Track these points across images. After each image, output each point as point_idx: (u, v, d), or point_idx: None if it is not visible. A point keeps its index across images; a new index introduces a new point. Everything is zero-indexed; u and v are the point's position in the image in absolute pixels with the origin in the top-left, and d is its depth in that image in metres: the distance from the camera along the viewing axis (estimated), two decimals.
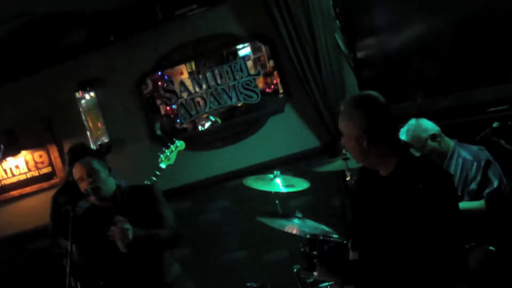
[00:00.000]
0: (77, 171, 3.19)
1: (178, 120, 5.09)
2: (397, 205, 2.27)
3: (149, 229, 3.14)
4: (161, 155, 4.36)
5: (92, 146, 4.97)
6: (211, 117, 5.00)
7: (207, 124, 5.11)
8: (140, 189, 3.39)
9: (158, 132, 5.03)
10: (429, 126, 3.34)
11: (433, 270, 2.20)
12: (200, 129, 5.12)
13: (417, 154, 2.34)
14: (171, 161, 4.39)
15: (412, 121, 3.39)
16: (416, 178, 2.22)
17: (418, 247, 2.20)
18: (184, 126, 5.10)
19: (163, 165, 4.34)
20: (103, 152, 4.73)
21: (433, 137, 3.31)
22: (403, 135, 3.38)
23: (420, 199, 2.18)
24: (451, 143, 3.35)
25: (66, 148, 5.05)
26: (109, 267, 3.15)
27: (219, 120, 5.04)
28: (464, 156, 3.25)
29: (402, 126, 3.45)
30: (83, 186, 3.16)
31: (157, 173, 4.28)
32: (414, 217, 2.20)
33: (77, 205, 3.13)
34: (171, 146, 4.41)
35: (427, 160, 2.35)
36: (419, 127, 3.34)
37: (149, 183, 4.20)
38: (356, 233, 2.61)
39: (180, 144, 4.44)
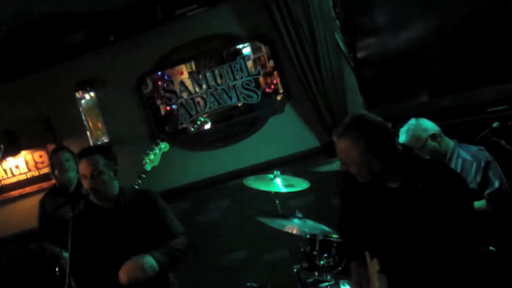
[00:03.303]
0: (82, 168, 3.16)
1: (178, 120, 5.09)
2: (424, 209, 2.26)
3: (165, 244, 3.17)
4: (145, 158, 4.38)
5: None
6: (201, 118, 4.99)
7: (194, 126, 5.09)
8: (142, 193, 3.39)
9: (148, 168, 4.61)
10: (429, 126, 3.35)
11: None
12: (200, 129, 5.11)
13: (427, 156, 2.36)
14: (156, 163, 4.42)
15: (412, 121, 3.39)
16: (439, 179, 2.25)
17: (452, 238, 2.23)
18: (184, 126, 5.10)
19: (147, 167, 4.36)
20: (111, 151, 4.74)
21: (433, 137, 3.31)
22: (403, 134, 3.38)
23: (449, 197, 2.22)
24: (451, 143, 3.35)
25: None
26: (106, 269, 3.14)
27: (208, 120, 5.02)
28: (464, 157, 3.25)
29: (402, 126, 3.46)
30: (85, 184, 3.17)
31: (142, 175, 4.31)
32: (447, 214, 2.22)
33: (77, 204, 3.11)
34: (155, 148, 4.43)
35: (437, 162, 2.41)
36: (419, 126, 3.34)
37: (136, 187, 4.21)
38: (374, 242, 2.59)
39: (164, 145, 4.47)
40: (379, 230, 2.46)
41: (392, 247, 2.42)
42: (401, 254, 2.38)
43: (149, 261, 3.05)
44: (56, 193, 4.35)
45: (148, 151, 4.42)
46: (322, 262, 3.31)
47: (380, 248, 2.46)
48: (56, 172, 4.29)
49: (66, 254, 4.01)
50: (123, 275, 3.02)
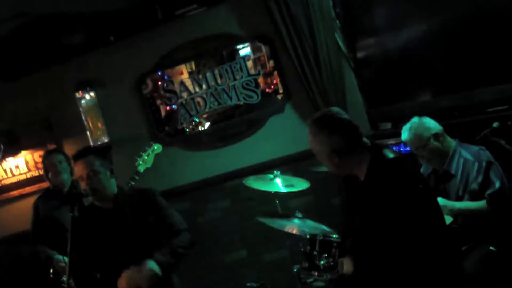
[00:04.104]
0: (78, 170, 3.17)
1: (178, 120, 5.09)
2: (371, 209, 2.33)
3: (168, 243, 3.15)
4: (139, 159, 4.38)
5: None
6: (196, 119, 5.00)
7: (189, 127, 5.10)
8: (141, 191, 3.38)
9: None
10: (431, 125, 3.35)
11: (418, 275, 2.23)
12: (200, 129, 5.12)
13: (391, 155, 2.40)
14: (149, 165, 4.42)
15: (415, 119, 3.39)
16: (385, 181, 2.30)
17: (396, 249, 2.24)
18: (184, 126, 5.10)
19: (141, 169, 4.36)
20: (107, 151, 4.74)
21: (436, 136, 3.31)
22: (405, 132, 3.38)
23: (389, 201, 2.25)
24: (452, 143, 3.35)
25: (66, 148, 5.07)
26: (107, 268, 3.14)
27: (203, 121, 5.03)
28: (465, 157, 3.25)
29: (402, 126, 3.46)
30: (83, 185, 3.16)
31: (136, 177, 4.30)
32: (387, 219, 2.25)
33: (77, 205, 3.11)
34: (148, 149, 4.44)
35: (399, 163, 2.40)
36: (422, 125, 3.34)
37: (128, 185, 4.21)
38: (345, 240, 2.68)
39: (157, 147, 4.48)
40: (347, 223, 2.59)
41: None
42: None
43: (151, 267, 3.01)
44: (50, 196, 4.34)
45: (140, 153, 4.43)
46: (322, 262, 3.30)
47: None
48: (50, 174, 4.29)
49: (59, 257, 4.01)
50: (123, 283, 3.00)
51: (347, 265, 2.58)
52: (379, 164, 2.36)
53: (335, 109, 2.51)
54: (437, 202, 2.46)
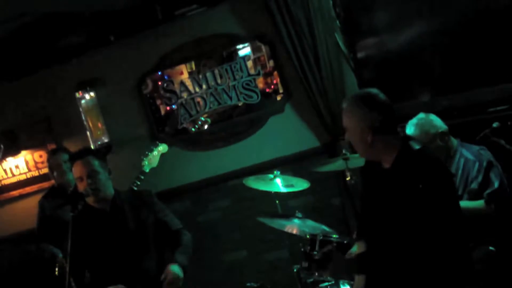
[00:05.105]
0: (77, 170, 3.16)
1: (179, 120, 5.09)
2: (397, 197, 2.36)
3: (181, 243, 3.23)
4: (144, 159, 4.37)
5: (92, 146, 4.97)
6: (201, 118, 5.00)
7: (194, 126, 5.10)
8: (138, 193, 3.39)
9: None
10: (438, 123, 3.35)
11: (434, 266, 2.25)
12: (200, 129, 5.11)
13: (417, 146, 2.43)
14: (155, 165, 4.40)
15: (422, 115, 3.39)
16: (414, 171, 2.33)
17: (418, 239, 2.27)
18: (184, 126, 5.10)
19: (146, 169, 4.35)
20: (104, 152, 4.73)
21: (442, 135, 3.31)
22: (411, 127, 3.38)
23: (418, 193, 2.27)
24: (454, 142, 3.36)
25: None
26: (103, 269, 3.14)
27: (208, 120, 5.03)
28: (466, 156, 3.26)
29: (403, 125, 3.45)
30: (82, 186, 3.15)
31: (141, 177, 4.29)
32: (413, 210, 2.29)
33: (77, 205, 3.10)
34: (154, 149, 4.42)
35: (427, 154, 2.43)
36: (429, 122, 3.34)
37: (135, 188, 4.21)
38: (363, 223, 2.70)
39: (162, 147, 4.46)
40: (370, 213, 2.60)
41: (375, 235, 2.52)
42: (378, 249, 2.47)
43: (174, 270, 3.08)
44: (55, 194, 4.34)
45: (146, 152, 4.41)
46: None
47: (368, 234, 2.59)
48: (55, 174, 4.28)
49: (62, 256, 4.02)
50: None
51: (360, 248, 2.61)
52: (408, 153, 2.40)
53: (375, 90, 2.53)
54: (457, 193, 2.48)
